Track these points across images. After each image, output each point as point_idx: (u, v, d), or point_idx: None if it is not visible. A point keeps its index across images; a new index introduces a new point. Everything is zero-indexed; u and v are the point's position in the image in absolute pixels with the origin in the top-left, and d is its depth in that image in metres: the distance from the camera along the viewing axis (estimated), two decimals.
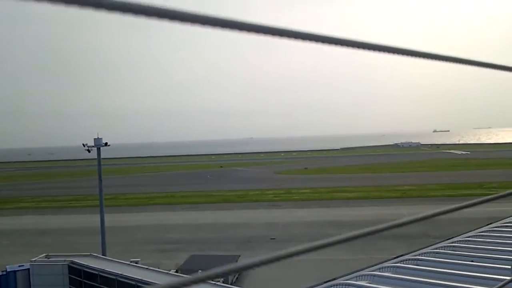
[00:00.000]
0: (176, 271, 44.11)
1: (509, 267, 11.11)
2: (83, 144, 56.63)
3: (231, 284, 43.89)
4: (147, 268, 41.66)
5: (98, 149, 54.65)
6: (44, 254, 45.15)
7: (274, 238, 63.70)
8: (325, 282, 15.22)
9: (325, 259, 52.23)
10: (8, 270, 45.11)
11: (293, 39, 1.89)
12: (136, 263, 44.43)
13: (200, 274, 1.80)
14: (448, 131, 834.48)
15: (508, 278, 4.59)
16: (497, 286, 4.38)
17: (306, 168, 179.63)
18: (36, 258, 44.30)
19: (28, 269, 43.84)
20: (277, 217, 78.75)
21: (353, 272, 15.83)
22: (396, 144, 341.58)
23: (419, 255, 16.38)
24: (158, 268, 43.36)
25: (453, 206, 2.86)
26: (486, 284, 10.81)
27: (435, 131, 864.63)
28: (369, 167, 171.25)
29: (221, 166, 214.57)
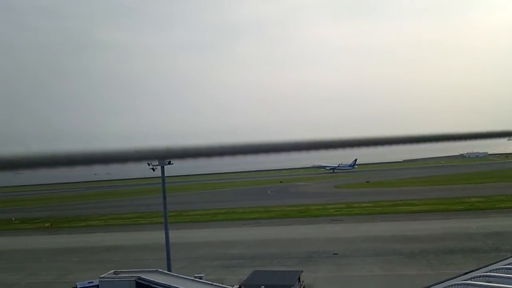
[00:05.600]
0: (240, 287, 44.34)
1: None
2: (147, 163, 58.30)
3: None
4: (211, 284, 42.19)
5: (162, 168, 56.10)
6: (113, 271, 46.62)
7: (336, 254, 62.76)
8: None
9: (390, 275, 50.98)
10: (78, 286, 46.80)
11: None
12: (200, 278, 45.09)
13: None
14: None
15: None
16: None
17: (367, 182, 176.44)
18: (105, 274, 45.76)
19: (97, 285, 45.29)
20: (339, 232, 77.66)
21: (434, 285, 15.43)
22: (462, 154, 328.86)
23: (490, 271, 15.73)
24: (222, 283, 43.84)
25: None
26: None
27: (509, 139, 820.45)
28: (434, 179, 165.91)
29: (281, 182, 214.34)
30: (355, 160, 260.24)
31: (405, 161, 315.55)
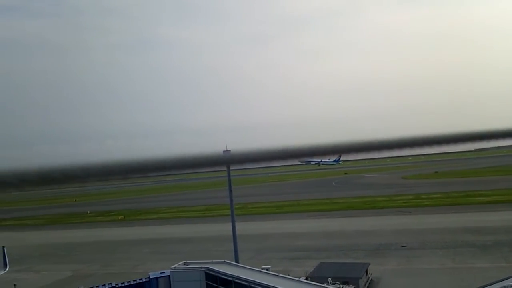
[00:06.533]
0: (306, 278, 44.56)
1: None
2: None
3: None
4: (277, 275, 42.66)
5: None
6: (183, 261, 48.17)
7: (405, 246, 61.53)
8: None
9: (462, 268, 49.53)
10: (151, 276, 48.77)
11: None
12: (267, 270, 45.69)
13: None
14: None
15: None
16: None
17: (436, 172, 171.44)
18: (176, 265, 47.37)
19: (169, 275, 46.98)
20: (407, 224, 76.11)
21: (494, 283, 15.05)
22: None
23: None
24: (288, 275, 44.21)
25: None
26: None
27: None
28: (507, 169, 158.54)
29: (345, 173, 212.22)
30: (340, 155, 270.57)
31: (476, 150, 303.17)
